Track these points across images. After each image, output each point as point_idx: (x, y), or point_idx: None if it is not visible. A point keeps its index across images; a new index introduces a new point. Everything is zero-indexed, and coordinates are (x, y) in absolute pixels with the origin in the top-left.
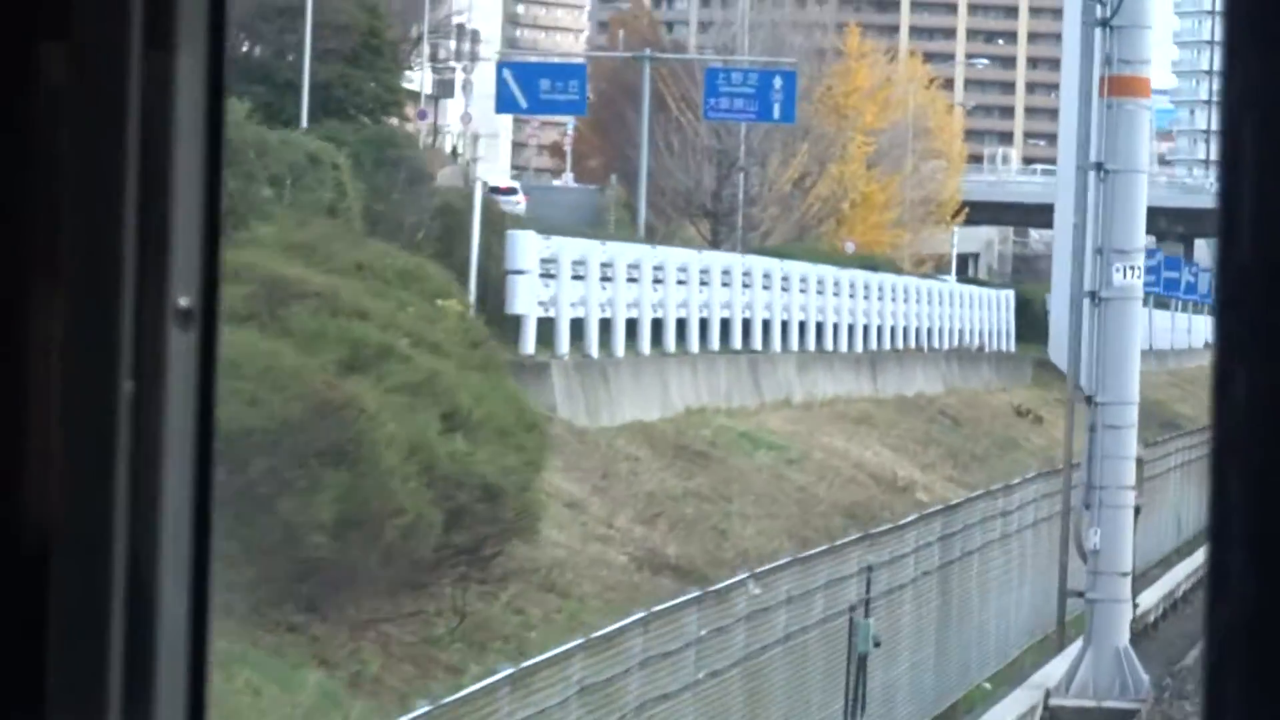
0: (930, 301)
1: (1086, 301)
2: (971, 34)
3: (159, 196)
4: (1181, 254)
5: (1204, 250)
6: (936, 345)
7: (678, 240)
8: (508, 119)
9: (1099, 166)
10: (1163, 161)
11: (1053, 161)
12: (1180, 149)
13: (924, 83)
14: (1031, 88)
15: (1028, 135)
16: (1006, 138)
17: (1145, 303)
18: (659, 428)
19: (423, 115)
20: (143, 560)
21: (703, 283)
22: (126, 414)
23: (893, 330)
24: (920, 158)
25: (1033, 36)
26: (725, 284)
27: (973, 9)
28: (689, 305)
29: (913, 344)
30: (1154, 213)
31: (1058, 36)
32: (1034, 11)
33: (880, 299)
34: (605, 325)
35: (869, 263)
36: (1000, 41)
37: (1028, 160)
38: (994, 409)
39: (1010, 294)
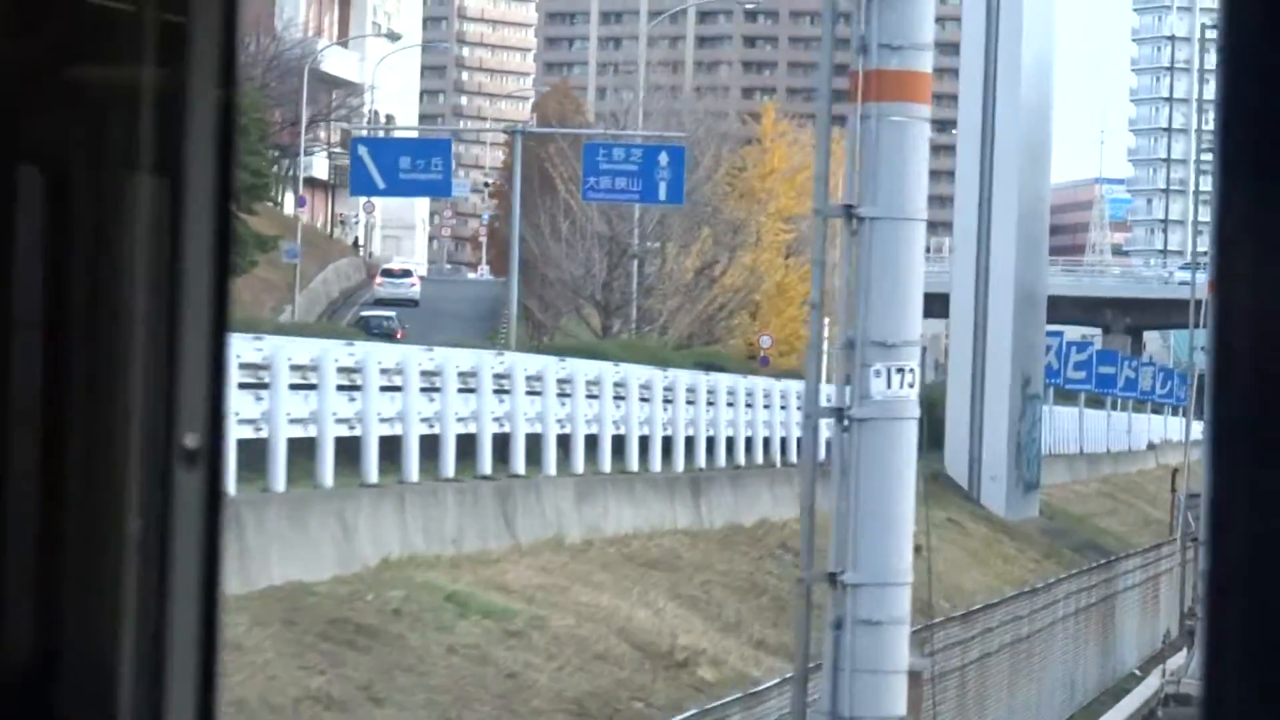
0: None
1: (827, 425)
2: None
3: (164, 337)
4: (1128, 347)
5: (1158, 342)
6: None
7: (560, 335)
8: (424, 209)
9: (848, 211)
10: (1118, 252)
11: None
12: (1137, 239)
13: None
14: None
15: None
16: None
17: (1075, 401)
18: (318, 592)
19: (301, 203)
20: (149, 701)
21: (465, 389)
22: (134, 551)
23: (733, 442)
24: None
25: None
26: (481, 390)
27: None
28: (439, 418)
29: (768, 459)
30: (1100, 303)
31: None
32: None
33: (716, 404)
34: (300, 447)
35: (712, 360)
36: (953, 131)
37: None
38: None
39: None
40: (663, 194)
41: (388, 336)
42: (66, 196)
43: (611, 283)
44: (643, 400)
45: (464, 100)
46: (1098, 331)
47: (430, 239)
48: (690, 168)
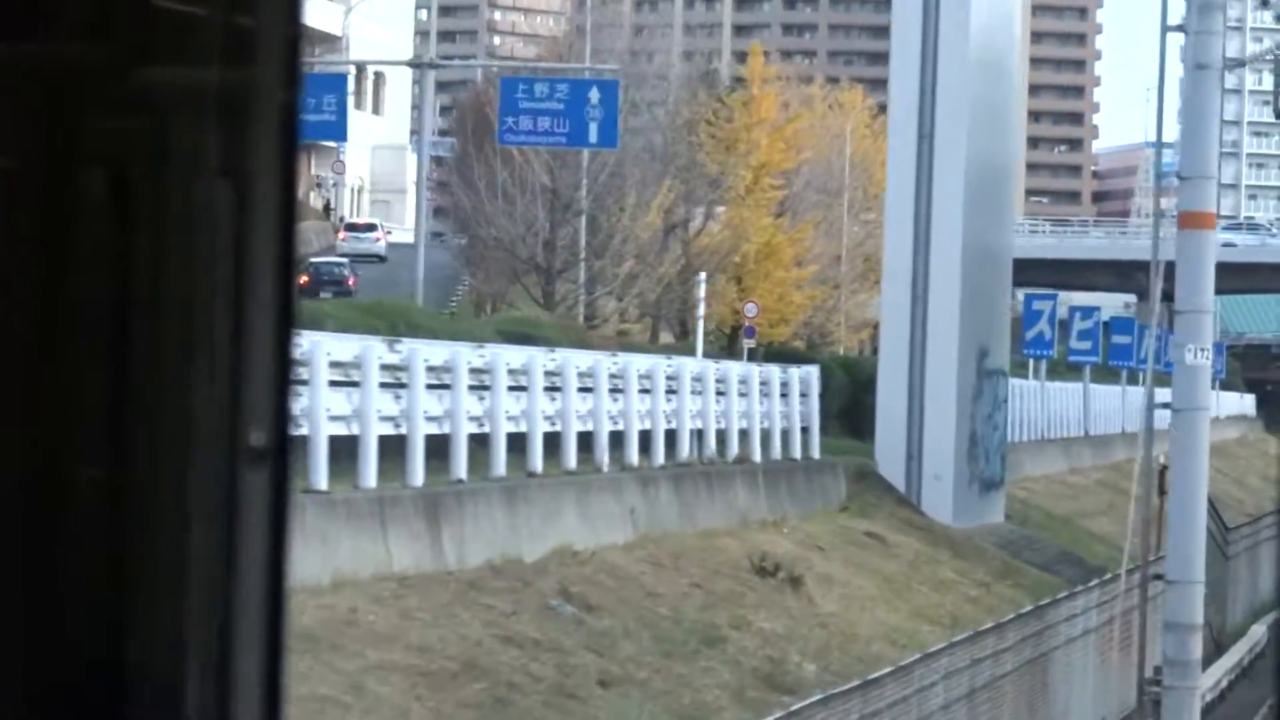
0: (655, 392)
1: None
2: None
3: (234, 335)
4: (1166, 315)
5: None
6: (663, 458)
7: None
8: (412, 170)
9: None
10: (1165, 217)
11: (1045, 217)
12: None
13: (866, 118)
14: (1034, 142)
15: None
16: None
17: (1082, 375)
18: None
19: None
20: (216, 705)
21: None
22: (200, 555)
23: (525, 438)
24: (863, 206)
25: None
26: None
27: None
28: None
29: (602, 460)
30: (1132, 267)
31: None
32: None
33: (494, 388)
34: None
35: (518, 329)
36: None
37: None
38: (714, 567)
39: (813, 372)
40: (593, 136)
41: (338, 284)
42: (133, 198)
43: (555, 242)
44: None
45: (497, 40)
46: (1133, 299)
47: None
48: (667, 115)
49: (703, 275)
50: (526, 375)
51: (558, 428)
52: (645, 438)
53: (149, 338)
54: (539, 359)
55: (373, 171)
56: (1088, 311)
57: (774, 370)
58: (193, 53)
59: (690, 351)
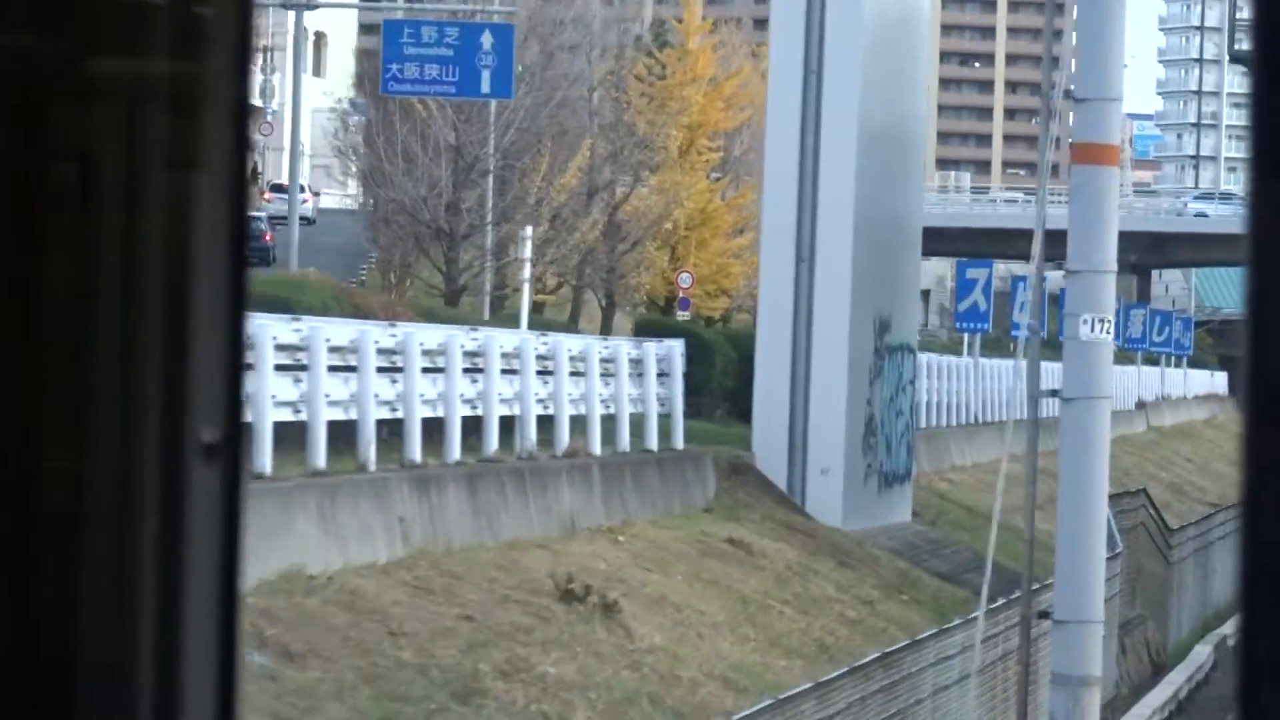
0: (450, 372)
1: None
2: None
3: (182, 330)
4: (1132, 288)
5: (1179, 284)
6: (458, 453)
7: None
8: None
9: None
10: (1143, 191)
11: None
12: (1166, 176)
13: None
14: (1011, 113)
15: (1006, 165)
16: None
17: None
18: None
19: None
20: (167, 704)
21: None
22: (151, 551)
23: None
24: None
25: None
26: None
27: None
28: None
29: (366, 456)
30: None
31: (1033, 49)
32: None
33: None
34: None
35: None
36: (977, 64)
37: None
38: (503, 591)
39: (676, 347)
40: (486, 85)
41: (255, 238)
42: (87, 189)
43: (459, 205)
44: None
45: None
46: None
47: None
48: (589, 67)
49: (529, 229)
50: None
51: (303, 416)
52: (435, 428)
53: (105, 330)
54: (271, 330)
55: (312, 135)
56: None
57: (622, 345)
58: (146, 43)
59: (617, 330)
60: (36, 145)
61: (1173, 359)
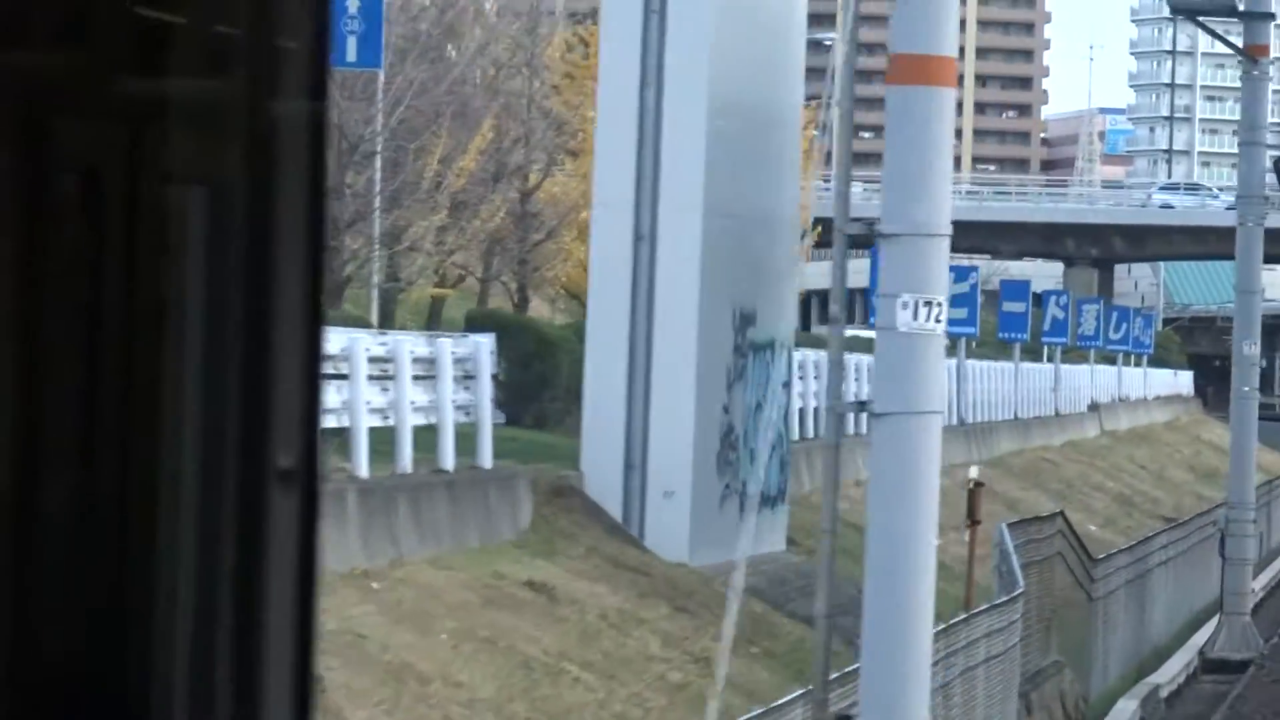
0: None
1: None
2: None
3: (261, 352)
4: (1093, 282)
5: (1148, 280)
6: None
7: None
8: None
9: None
10: (1112, 186)
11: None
12: (1139, 170)
13: None
14: (981, 107)
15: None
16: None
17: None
18: None
19: None
20: None
21: None
22: (227, 581)
23: None
24: None
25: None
26: None
27: None
28: None
29: None
30: (1057, 230)
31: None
32: None
33: None
34: None
35: None
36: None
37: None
38: None
39: (483, 345)
40: (352, 54)
41: None
42: (115, 206)
43: (341, 188)
44: None
45: None
46: (1059, 267)
47: None
48: (491, 42)
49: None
50: None
51: None
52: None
53: (172, 353)
54: None
55: None
56: (963, 273)
57: (403, 342)
58: (173, 61)
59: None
60: (62, 160)
61: (1132, 358)
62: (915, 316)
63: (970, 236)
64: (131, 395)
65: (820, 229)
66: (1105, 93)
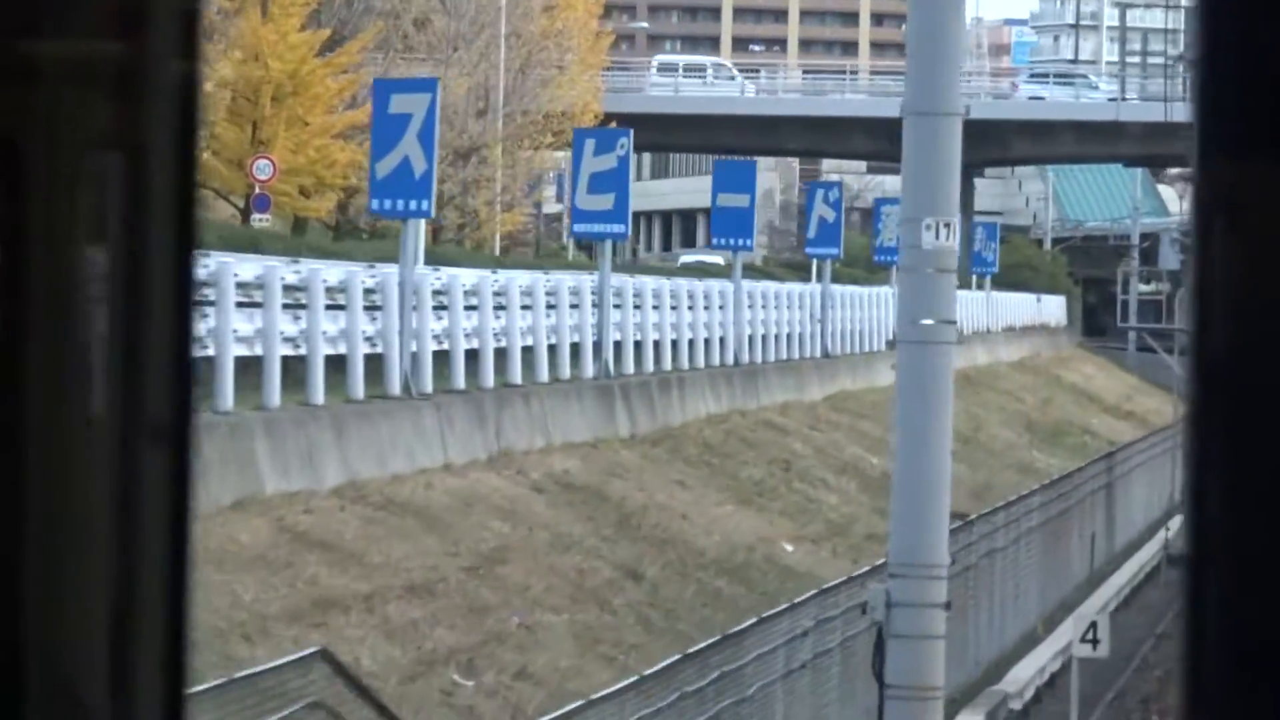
0: None
1: None
2: None
3: (133, 310)
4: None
5: (1035, 183)
6: None
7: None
8: None
9: None
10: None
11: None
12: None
13: None
14: (879, 19)
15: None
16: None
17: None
18: None
19: None
20: (116, 693)
21: None
22: (99, 538)
23: None
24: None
25: None
26: None
27: None
28: None
29: None
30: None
31: None
32: None
33: None
34: None
35: None
36: None
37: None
38: None
39: None
40: None
41: None
42: (24, 170)
43: None
44: None
45: None
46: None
47: None
48: None
49: None
50: None
51: None
52: None
53: (46, 316)
54: None
55: None
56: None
57: None
58: (86, 22)
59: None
60: None
61: (974, 279)
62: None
63: (798, 135)
64: (6, 366)
65: (615, 124)
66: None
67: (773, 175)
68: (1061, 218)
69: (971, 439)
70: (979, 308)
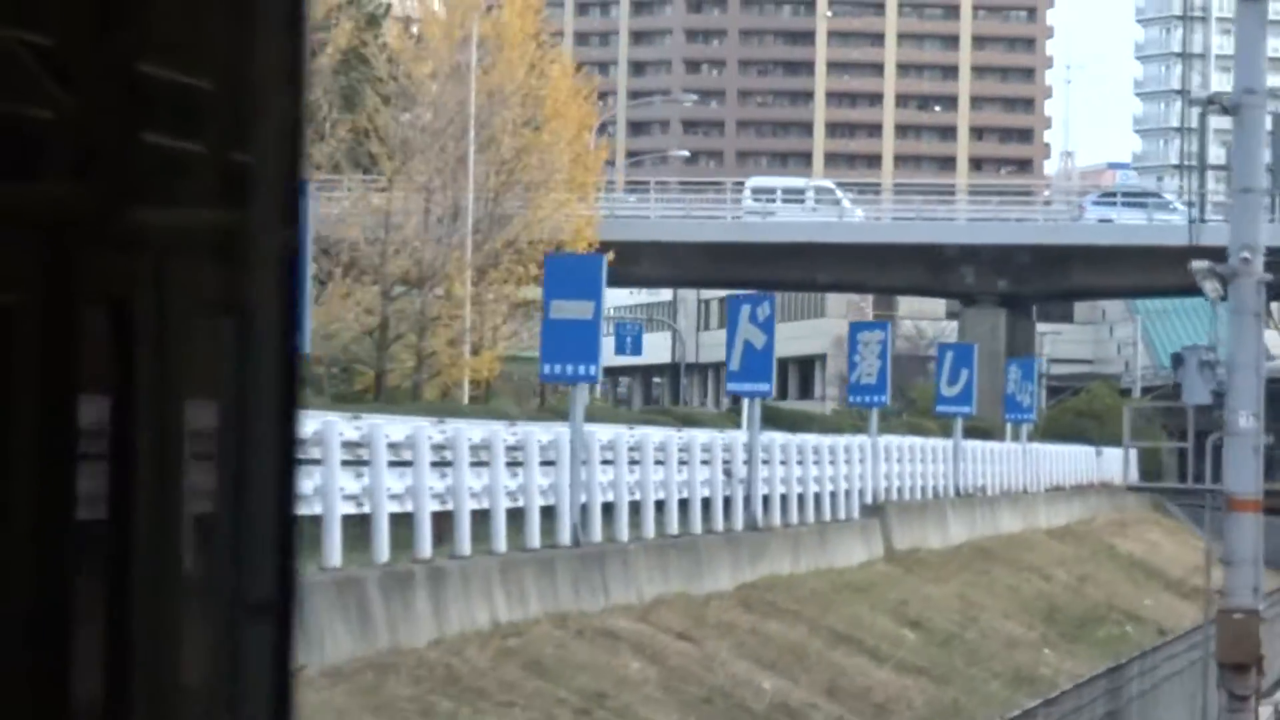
0: None
1: None
2: None
3: (236, 478)
4: (999, 327)
5: (1121, 313)
6: None
7: None
8: None
9: None
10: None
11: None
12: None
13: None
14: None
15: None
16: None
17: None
18: None
19: None
20: None
21: None
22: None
23: None
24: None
25: None
26: None
27: None
28: None
29: None
30: (946, 258)
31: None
32: None
33: None
34: None
35: None
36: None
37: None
38: None
39: None
40: None
41: None
42: (133, 335)
43: None
44: None
45: None
46: (950, 313)
47: None
48: None
49: None
50: None
51: None
52: None
53: (153, 478)
54: None
55: None
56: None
57: None
58: (188, 189)
59: None
60: (83, 292)
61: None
62: None
63: (838, 264)
64: (113, 527)
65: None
66: (1111, 146)
67: (840, 324)
68: (1155, 364)
69: (955, 637)
70: (1012, 463)
